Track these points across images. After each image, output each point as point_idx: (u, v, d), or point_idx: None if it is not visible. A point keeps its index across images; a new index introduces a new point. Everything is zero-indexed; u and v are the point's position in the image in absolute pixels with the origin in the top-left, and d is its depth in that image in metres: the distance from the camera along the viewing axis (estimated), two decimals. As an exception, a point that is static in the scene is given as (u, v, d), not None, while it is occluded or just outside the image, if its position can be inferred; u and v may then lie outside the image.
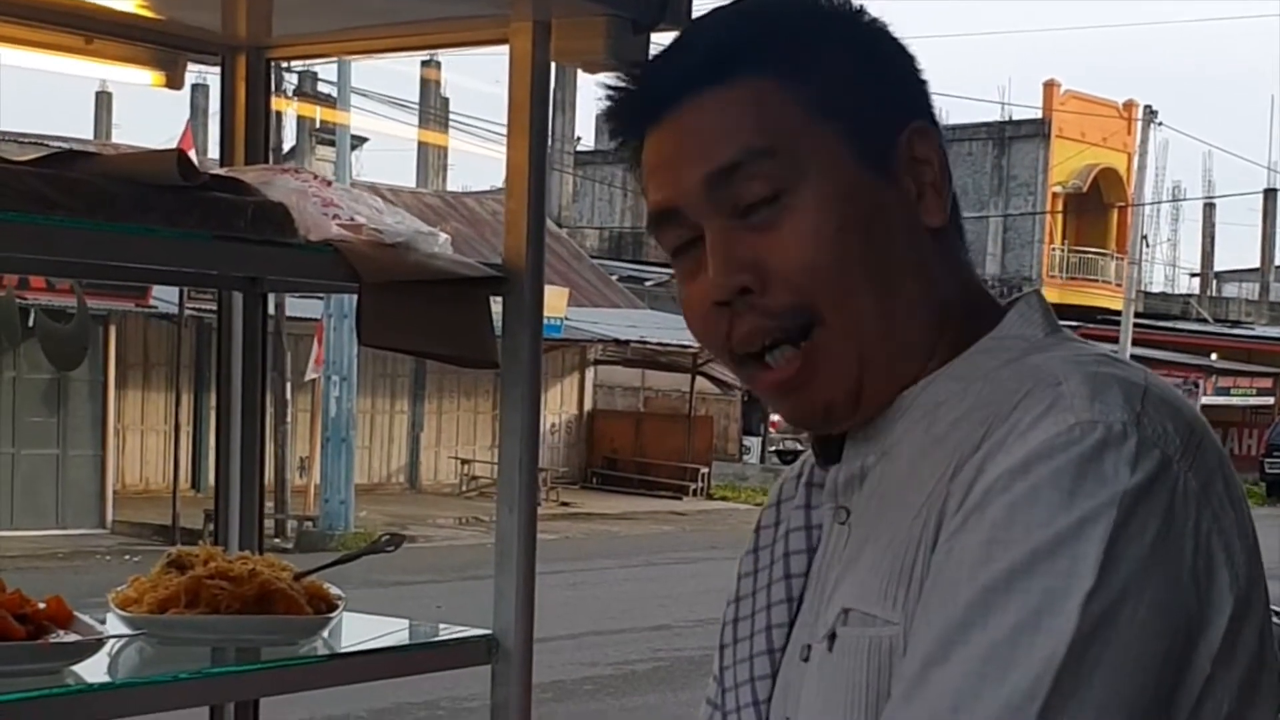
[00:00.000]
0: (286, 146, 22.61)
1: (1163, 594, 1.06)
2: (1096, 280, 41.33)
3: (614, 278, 31.85)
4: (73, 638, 1.76)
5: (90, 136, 34.70)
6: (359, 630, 2.12)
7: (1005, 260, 40.40)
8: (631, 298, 30.75)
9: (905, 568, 1.15)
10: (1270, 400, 36.63)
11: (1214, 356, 37.01)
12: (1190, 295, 47.49)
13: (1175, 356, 34.34)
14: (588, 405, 28.54)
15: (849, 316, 1.20)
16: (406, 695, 9.32)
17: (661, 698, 10.07)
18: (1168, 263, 52.93)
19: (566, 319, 23.66)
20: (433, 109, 33.87)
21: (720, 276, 1.21)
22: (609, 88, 1.27)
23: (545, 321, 2.54)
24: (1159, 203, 45.05)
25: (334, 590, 2.04)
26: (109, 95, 39.39)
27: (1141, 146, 34.74)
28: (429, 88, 34.18)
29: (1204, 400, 31.69)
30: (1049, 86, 40.45)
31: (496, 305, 2.03)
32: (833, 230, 1.19)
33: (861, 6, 1.27)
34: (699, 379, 27.73)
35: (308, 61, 16.27)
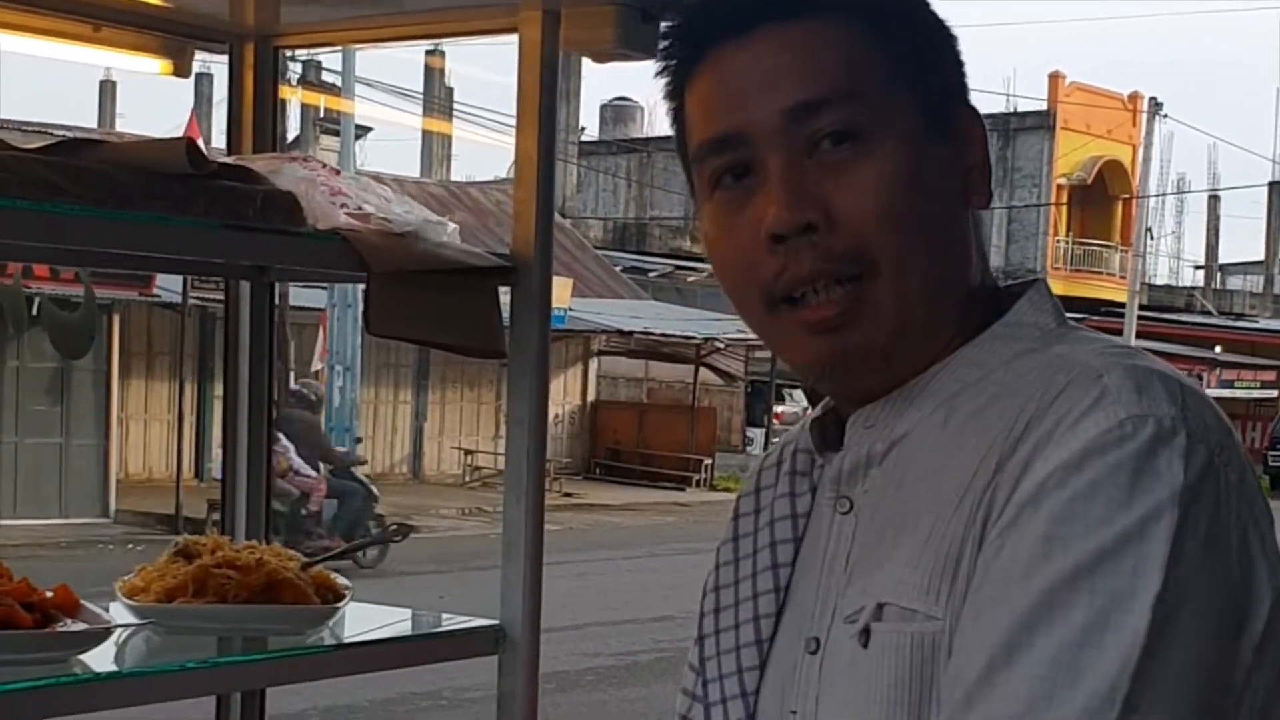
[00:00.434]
0: (290, 136, 22.59)
1: (1218, 590, 1.06)
2: (1101, 272, 41.29)
3: (618, 268, 31.82)
4: (80, 627, 1.76)
5: (94, 125, 34.67)
6: (365, 620, 2.12)
7: (1009, 252, 40.37)
8: (635, 288, 30.73)
9: (949, 562, 1.13)
10: (1274, 393, 36.56)
11: (1218, 349, 36.97)
12: (1194, 288, 47.40)
13: (1179, 349, 34.27)
14: (591, 396, 28.53)
15: (903, 272, 1.19)
16: (409, 685, 9.33)
17: (664, 688, 10.07)
18: (1172, 255, 52.83)
19: (570, 309, 23.65)
20: (437, 98, 33.82)
21: (787, 210, 1.18)
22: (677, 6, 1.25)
23: (552, 312, 2.53)
24: (1164, 195, 45.00)
25: (341, 580, 2.04)
26: (113, 84, 39.36)
27: (1146, 139, 34.74)
28: (433, 76, 34.11)
29: (1208, 393, 31.54)
30: (1054, 78, 40.39)
31: (504, 296, 2.03)
32: (904, 185, 1.19)
33: None
34: (702, 370, 27.74)
35: (313, 50, 16.28)
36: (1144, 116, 36.35)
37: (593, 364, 28.59)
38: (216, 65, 2.34)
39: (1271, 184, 49.09)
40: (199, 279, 15.64)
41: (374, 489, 16.00)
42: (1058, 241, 41.04)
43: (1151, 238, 39.36)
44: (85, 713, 1.75)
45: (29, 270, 16.33)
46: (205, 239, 1.78)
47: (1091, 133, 40.17)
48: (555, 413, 26.96)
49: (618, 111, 44.95)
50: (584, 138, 42.80)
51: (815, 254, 1.18)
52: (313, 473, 15.43)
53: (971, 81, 1.28)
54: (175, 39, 2.26)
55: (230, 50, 2.30)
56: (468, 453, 25.21)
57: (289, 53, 2.33)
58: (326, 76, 23.54)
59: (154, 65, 2.28)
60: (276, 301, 2.39)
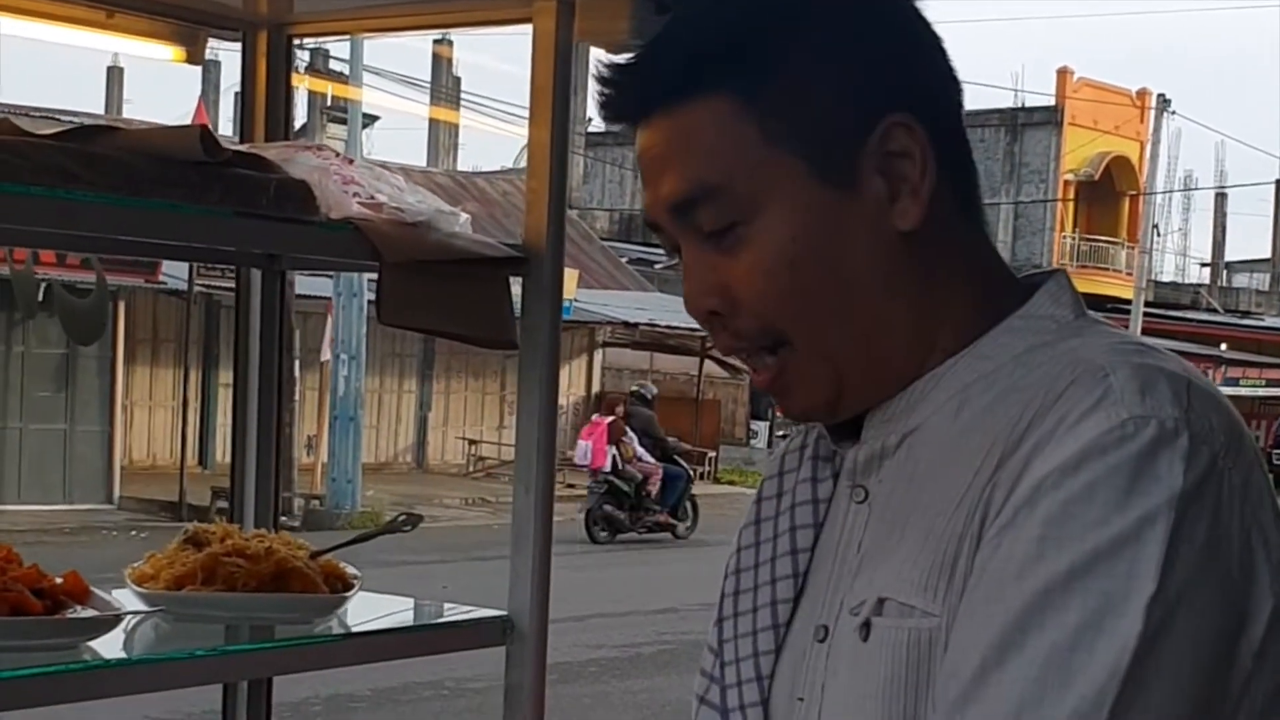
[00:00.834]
0: (297, 124, 22.57)
1: (1215, 595, 1.05)
2: (1107, 269, 41.23)
3: (624, 260, 31.81)
4: (90, 613, 1.76)
5: (101, 111, 34.66)
6: (372, 610, 2.12)
7: (1016, 248, 40.31)
8: (641, 280, 30.73)
9: (947, 560, 1.13)
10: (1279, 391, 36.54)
11: (1223, 347, 36.92)
12: (1201, 285, 47.36)
13: (1185, 346, 34.21)
14: (596, 387, 28.52)
15: (814, 340, 1.20)
16: (411, 675, 9.33)
17: (667, 680, 10.07)
18: (1178, 252, 52.76)
19: (576, 301, 23.64)
20: (444, 87, 33.78)
21: (690, 302, 1.23)
22: (600, 80, 1.23)
23: (562, 303, 2.53)
24: (1170, 192, 44.89)
25: (350, 569, 2.04)
26: (120, 70, 39.30)
27: (1154, 135, 34.64)
28: (440, 65, 34.06)
29: (1220, 391, 31.52)
30: (1062, 74, 40.32)
31: (515, 286, 2.03)
32: (788, 262, 1.18)
33: None
34: (707, 363, 27.70)
35: (323, 39, 16.26)
36: (1152, 113, 36.25)
37: (597, 355, 28.59)
38: (224, 53, 2.34)
39: (1278, 181, 49.03)
40: (205, 266, 15.64)
41: (691, 472, 19.40)
42: (1064, 237, 40.99)
43: (1158, 234, 39.36)
44: (95, 699, 1.75)
45: (35, 256, 16.33)
46: (218, 227, 1.78)
47: (1099, 129, 40.12)
48: (560, 404, 26.92)
49: (625, 103, 44.82)
50: (590, 129, 42.77)
51: (728, 334, 1.23)
52: (652, 460, 18.55)
53: (979, 77, 1.24)
54: (188, 26, 2.26)
55: (243, 38, 2.30)
56: (472, 443, 25.21)
57: (298, 40, 2.33)
58: (334, 64, 23.51)
59: (166, 52, 2.27)
60: (287, 290, 2.39)
